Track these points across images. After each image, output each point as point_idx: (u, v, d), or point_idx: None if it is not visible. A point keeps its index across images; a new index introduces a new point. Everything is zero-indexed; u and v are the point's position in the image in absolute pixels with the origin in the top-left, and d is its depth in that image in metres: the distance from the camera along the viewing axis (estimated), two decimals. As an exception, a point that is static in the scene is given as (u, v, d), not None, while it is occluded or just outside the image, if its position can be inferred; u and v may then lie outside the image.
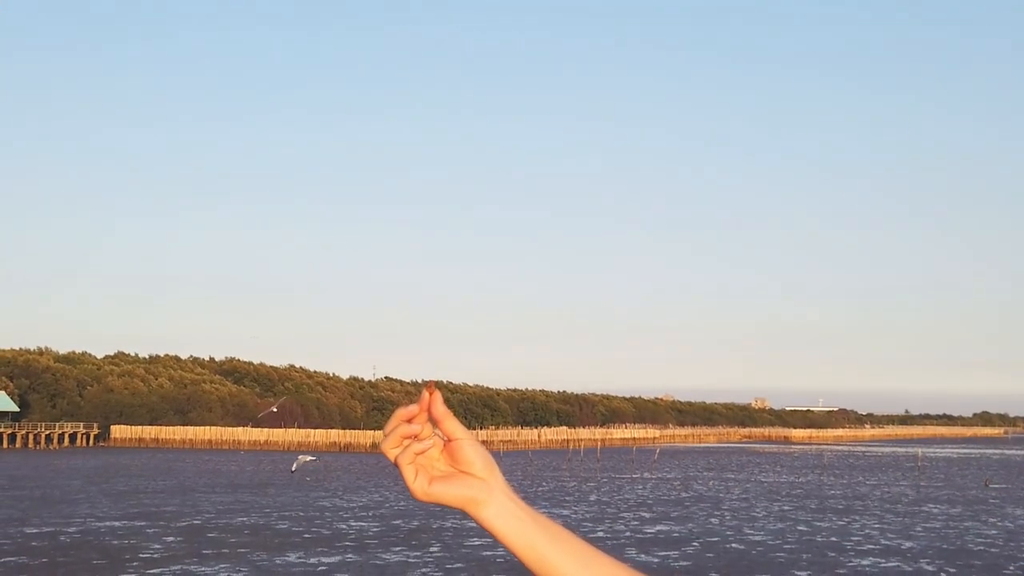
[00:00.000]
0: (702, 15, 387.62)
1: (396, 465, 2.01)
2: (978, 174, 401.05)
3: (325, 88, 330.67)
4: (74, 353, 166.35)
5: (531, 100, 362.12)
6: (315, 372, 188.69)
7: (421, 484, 1.99)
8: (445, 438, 2.03)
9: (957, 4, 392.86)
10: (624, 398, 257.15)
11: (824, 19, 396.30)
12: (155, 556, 37.72)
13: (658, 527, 49.80)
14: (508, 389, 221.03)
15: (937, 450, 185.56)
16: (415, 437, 2.00)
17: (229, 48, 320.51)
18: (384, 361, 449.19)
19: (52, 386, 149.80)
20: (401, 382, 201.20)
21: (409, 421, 2.01)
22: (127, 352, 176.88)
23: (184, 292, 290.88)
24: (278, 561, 36.71)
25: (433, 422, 2.03)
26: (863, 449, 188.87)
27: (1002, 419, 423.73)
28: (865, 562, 38.68)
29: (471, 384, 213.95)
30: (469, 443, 2.01)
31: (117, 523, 48.13)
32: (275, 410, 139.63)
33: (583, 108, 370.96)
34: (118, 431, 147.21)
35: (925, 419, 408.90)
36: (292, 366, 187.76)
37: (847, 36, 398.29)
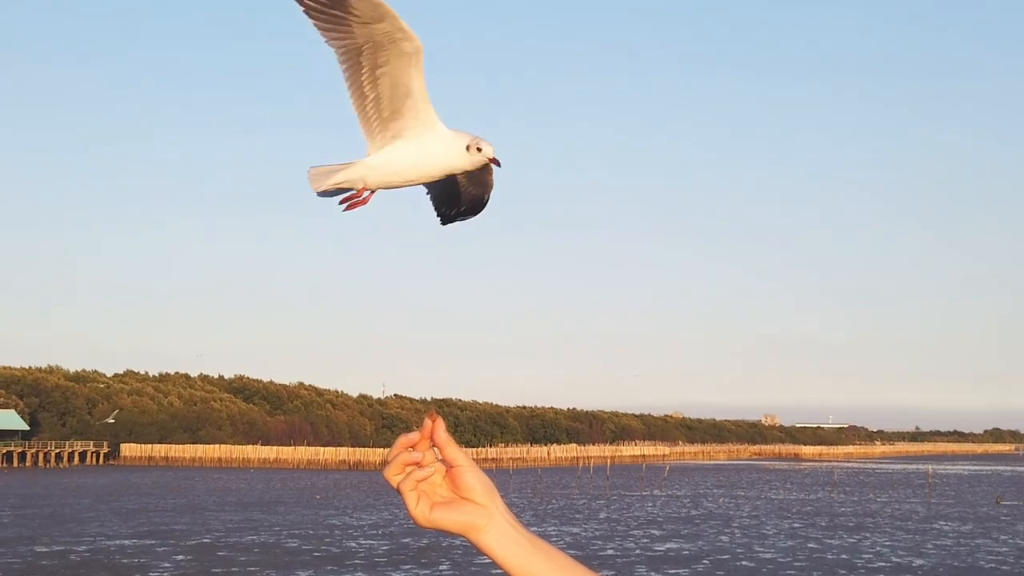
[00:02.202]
0: (709, 31, 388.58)
1: (398, 492, 2.06)
2: (989, 188, 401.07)
3: (328, 103, 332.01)
4: (84, 371, 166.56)
5: (540, 112, 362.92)
6: (324, 390, 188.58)
7: (423, 511, 2.04)
8: (447, 464, 2.09)
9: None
10: (634, 415, 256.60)
11: (842, 30, 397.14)
12: (165, 575, 37.76)
13: (668, 545, 49.71)
14: (518, 406, 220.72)
15: (948, 467, 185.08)
16: (417, 464, 2.05)
17: (227, 59, 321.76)
18: (393, 378, 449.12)
19: (62, 404, 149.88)
20: (411, 399, 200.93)
21: (411, 448, 2.06)
22: (136, 370, 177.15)
23: (193, 309, 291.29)
24: (287, 580, 36.72)
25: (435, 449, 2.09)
26: (873, 466, 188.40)
27: (1013, 436, 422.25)
28: (876, 580, 38.59)
29: (480, 401, 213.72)
30: (470, 470, 2.07)
31: (127, 541, 48.16)
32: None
33: (594, 119, 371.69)
34: (128, 449, 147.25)
35: (936, 436, 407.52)
36: (301, 383, 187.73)
37: (862, 48, 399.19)
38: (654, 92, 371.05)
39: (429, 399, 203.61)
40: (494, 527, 2.04)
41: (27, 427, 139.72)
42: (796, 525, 61.71)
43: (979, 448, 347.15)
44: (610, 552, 46.26)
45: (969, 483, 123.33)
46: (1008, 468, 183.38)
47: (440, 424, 2.05)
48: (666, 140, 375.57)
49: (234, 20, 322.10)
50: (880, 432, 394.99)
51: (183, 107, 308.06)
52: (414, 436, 2.05)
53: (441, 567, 39.62)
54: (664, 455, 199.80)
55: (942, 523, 64.94)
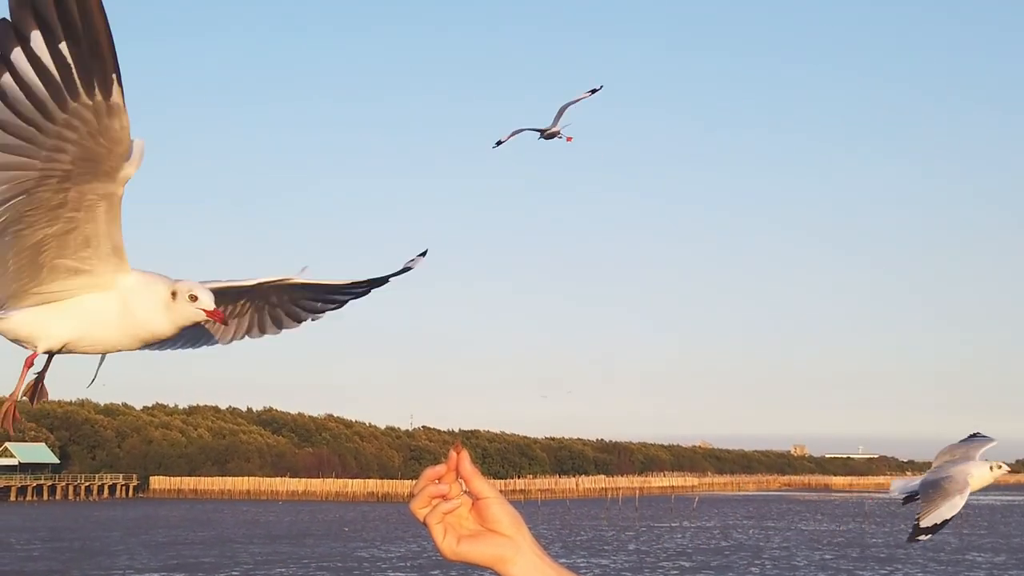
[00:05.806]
0: (721, 77, 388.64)
1: (425, 525, 2.06)
2: (1015, 215, 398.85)
3: (351, 142, 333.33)
4: (113, 404, 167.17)
5: (559, 152, 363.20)
6: (353, 422, 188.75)
7: (450, 543, 2.04)
8: (473, 497, 2.08)
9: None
10: (662, 446, 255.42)
11: (871, 84, 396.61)
12: (193, 608, 37.76)
13: (698, 577, 49.39)
14: (545, 438, 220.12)
15: (980, 497, 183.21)
16: (444, 497, 2.05)
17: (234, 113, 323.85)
18: (421, 410, 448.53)
19: (92, 438, 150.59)
20: (438, 431, 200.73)
21: (437, 480, 2.06)
22: (165, 403, 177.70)
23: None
24: (316, 612, 36.66)
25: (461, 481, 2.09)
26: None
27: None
28: (908, 612, 38.23)
29: (508, 433, 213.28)
30: (496, 501, 2.06)
31: (156, 575, 48.22)
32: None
33: (616, 157, 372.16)
34: (157, 482, 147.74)
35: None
36: (330, 415, 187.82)
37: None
38: (674, 113, 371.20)
39: (457, 431, 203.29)
40: (522, 559, 2.04)
41: (57, 460, 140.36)
42: (827, 556, 61.21)
43: (1011, 478, 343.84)
44: (639, 584, 45.99)
45: (1002, 513, 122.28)
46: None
47: (465, 456, 2.05)
48: (686, 174, 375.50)
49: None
50: (911, 462, 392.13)
51: (203, 136, 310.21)
52: (440, 468, 2.06)
53: (470, 600, 39.48)
54: (693, 486, 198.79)
55: (975, 554, 64.29)
